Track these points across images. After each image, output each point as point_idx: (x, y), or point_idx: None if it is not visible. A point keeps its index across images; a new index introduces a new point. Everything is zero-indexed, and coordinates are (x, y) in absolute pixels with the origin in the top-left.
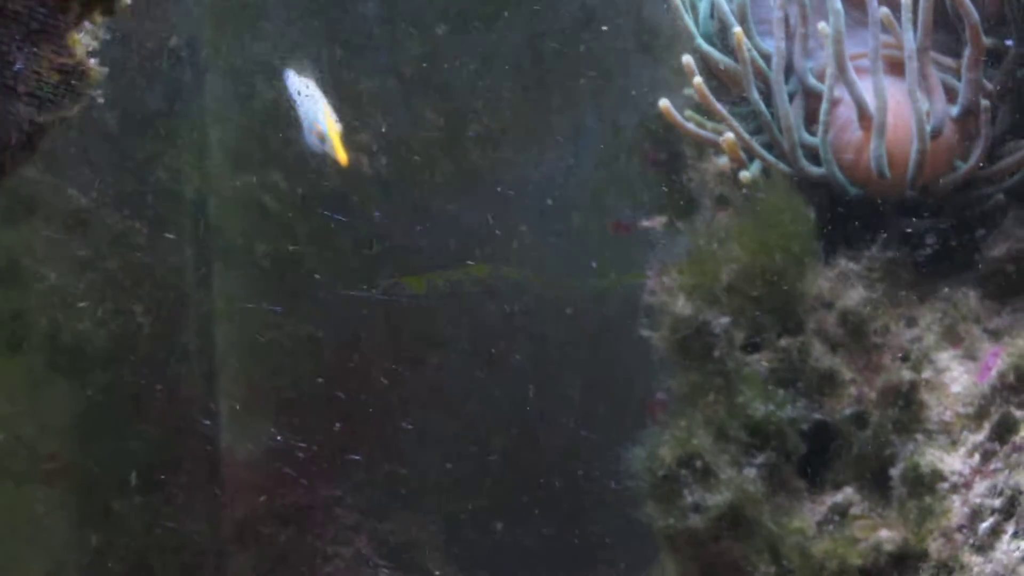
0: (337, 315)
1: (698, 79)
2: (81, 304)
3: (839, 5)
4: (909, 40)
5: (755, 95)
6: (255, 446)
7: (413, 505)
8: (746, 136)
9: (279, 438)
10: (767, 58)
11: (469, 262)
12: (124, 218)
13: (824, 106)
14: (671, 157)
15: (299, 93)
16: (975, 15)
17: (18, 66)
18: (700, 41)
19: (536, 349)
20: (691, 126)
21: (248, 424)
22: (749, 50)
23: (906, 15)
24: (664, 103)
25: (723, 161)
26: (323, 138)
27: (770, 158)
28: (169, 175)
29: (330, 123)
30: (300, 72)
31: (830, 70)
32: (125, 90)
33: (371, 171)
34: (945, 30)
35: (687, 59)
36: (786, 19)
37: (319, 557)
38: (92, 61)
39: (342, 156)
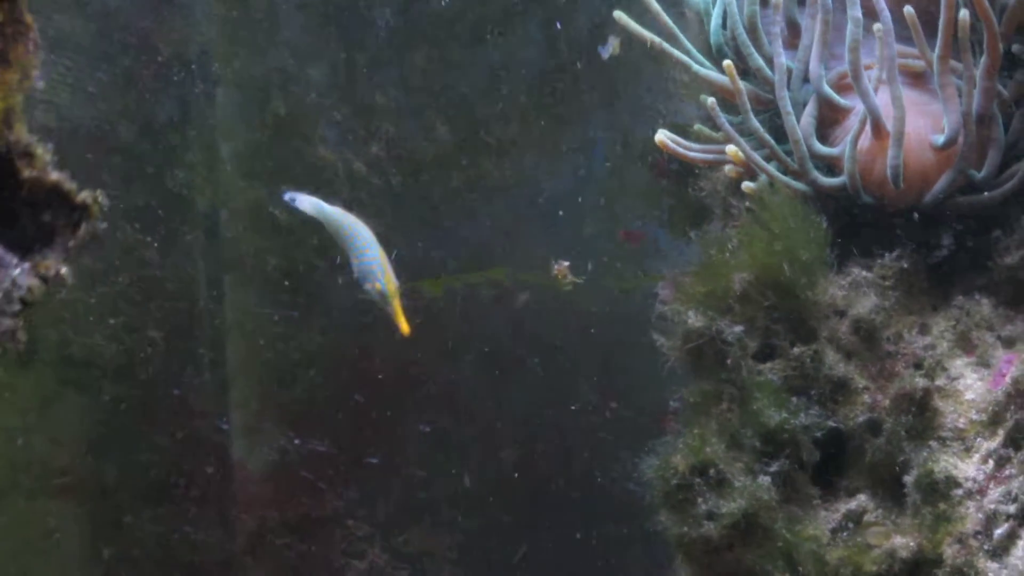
0: (349, 325)
1: (711, 100)
2: (92, 318)
3: (859, 14)
4: (972, 66)
5: (754, 123)
6: (268, 457)
7: (427, 515)
8: (754, 155)
9: (292, 449)
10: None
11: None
12: (135, 232)
13: (860, 116)
14: (682, 166)
15: (347, 229)
16: (995, 23)
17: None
18: (697, 68)
19: (550, 356)
20: (692, 153)
21: (261, 435)
22: (755, 65)
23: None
24: (659, 137)
25: (729, 168)
26: (383, 297)
27: (777, 174)
28: (180, 188)
29: (391, 285)
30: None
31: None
32: (136, 103)
33: (381, 182)
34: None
35: (711, 101)
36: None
37: (333, 569)
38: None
39: (404, 327)
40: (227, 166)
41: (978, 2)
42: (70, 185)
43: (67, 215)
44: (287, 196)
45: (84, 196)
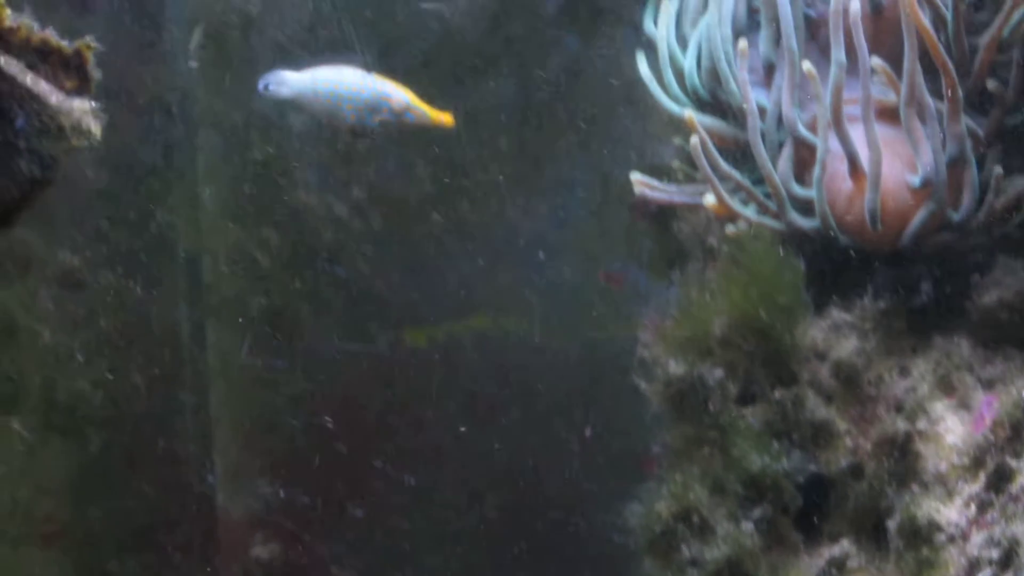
0: (333, 371)
1: (694, 139)
2: (76, 364)
3: (843, 57)
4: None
5: (728, 168)
6: (251, 505)
7: (410, 564)
8: (728, 200)
9: (275, 497)
10: (760, 110)
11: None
12: (118, 276)
13: (819, 159)
14: (661, 208)
15: (317, 83)
16: (952, 71)
17: (20, 123)
18: (674, 108)
19: (532, 403)
20: (666, 196)
21: (244, 482)
22: (738, 103)
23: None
24: (635, 177)
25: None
26: (407, 106)
27: (755, 217)
28: (162, 232)
29: (407, 91)
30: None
31: (823, 122)
32: (116, 147)
33: (362, 225)
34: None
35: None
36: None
37: None
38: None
39: (447, 118)
40: (208, 210)
41: (935, 52)
42: (58, 40)
43: (66, 67)
44: (261, 86)
45: (75, 45)
